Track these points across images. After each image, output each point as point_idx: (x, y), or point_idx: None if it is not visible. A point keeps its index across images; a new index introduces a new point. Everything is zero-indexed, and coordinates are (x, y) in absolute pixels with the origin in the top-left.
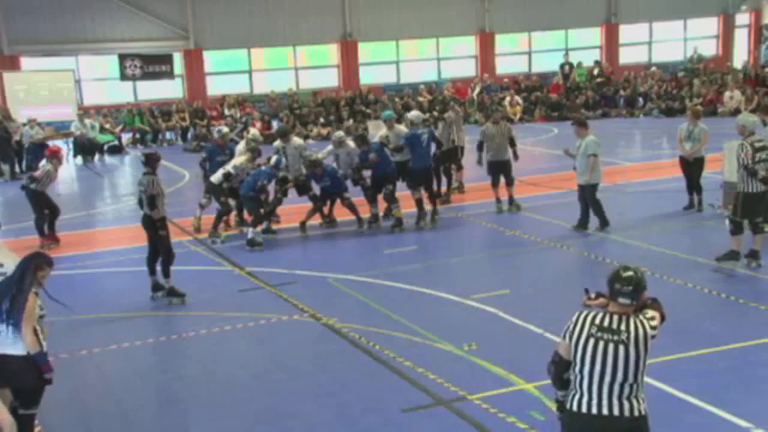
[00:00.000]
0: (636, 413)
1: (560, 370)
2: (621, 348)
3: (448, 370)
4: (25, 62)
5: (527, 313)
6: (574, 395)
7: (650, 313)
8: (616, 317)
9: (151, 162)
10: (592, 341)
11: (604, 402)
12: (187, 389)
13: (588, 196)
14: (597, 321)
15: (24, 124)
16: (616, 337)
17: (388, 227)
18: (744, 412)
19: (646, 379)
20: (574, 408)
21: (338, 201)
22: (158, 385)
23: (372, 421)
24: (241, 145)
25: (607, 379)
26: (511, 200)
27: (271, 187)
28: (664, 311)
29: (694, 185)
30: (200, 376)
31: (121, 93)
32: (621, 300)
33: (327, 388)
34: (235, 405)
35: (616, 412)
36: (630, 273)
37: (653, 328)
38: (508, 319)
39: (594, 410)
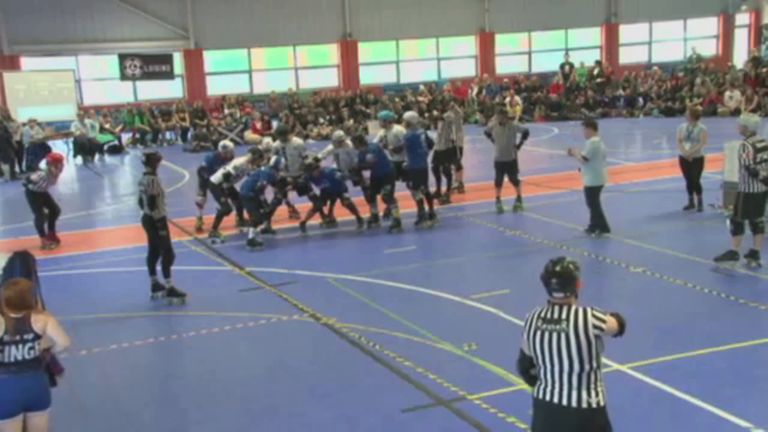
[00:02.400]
0: (585, 405)
1: (524, 367)
2: (563, 336)
3: (448, 370)
4: (25, 62)
5: (527, 314)
6: (539, 384)
7: (602, 314)
8: (557, 308)
9: (151, 162)
10: (539, 334)
11: (556, 390)
12: (187, 389)
13: (586, 198)
14: (542, 314)
15: (24, 124)
16: (558, 327)
17: (387, 227)
18: (744, 412)
19: (646, 378)
20: (539, 395)
21: (338, 201)
22: (158, 385)
23: (372, 421)
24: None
25: (557, 368)
26: (518, 198)
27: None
28: (624, 322)
29: (694, 185)
30: (200, 376)
31: (121, 93)
32: (554, 294)
33: (327, 388)
34: (235, 405)
35: (564, 401)
36: (558, 267)
37: (599, 319)
38: (508, 319)
39: (548, 397)
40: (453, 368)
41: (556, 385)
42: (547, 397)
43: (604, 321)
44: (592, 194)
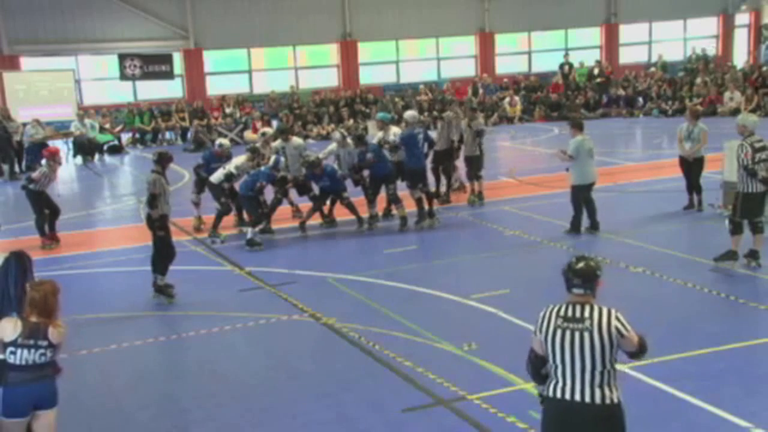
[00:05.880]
0: (608, 401)
1: (537, 366)
2: (586, 335)
3: (448, 370)
4: (25, 62)
5: (527, 313)
6: (552, 382)
7: (626, 322)
8: (578, 306)
9: (162, 161)
10: (559, 332)
11: (577, 388)
12: (187, 389)
13: (571, 196)
14: (561, 312)
15: (24, 124)
16: (580, 326)
17: (387, 227)
18: (744, 412)
19: (647, 378)
20: (551, 394)
21: (338, 201)
22: (158, 385)
23: (372, 421)
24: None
25: (578, 365)
26: (479, 193)
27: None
28: (646, 345)
29: (693, 185)
30: (200, 376)
31: (121, 93)
32: (575, 290)
33: (327, 388)
34: (235, 405)
35: (587, 398)
36: (581, 264)
37: (622, 325)
38: (508, 319)
39: (567, 396)
40: (453, 368)
41: (577, 383)
42: (566, 396)
43: (627, 329)
44: (577, 193)
